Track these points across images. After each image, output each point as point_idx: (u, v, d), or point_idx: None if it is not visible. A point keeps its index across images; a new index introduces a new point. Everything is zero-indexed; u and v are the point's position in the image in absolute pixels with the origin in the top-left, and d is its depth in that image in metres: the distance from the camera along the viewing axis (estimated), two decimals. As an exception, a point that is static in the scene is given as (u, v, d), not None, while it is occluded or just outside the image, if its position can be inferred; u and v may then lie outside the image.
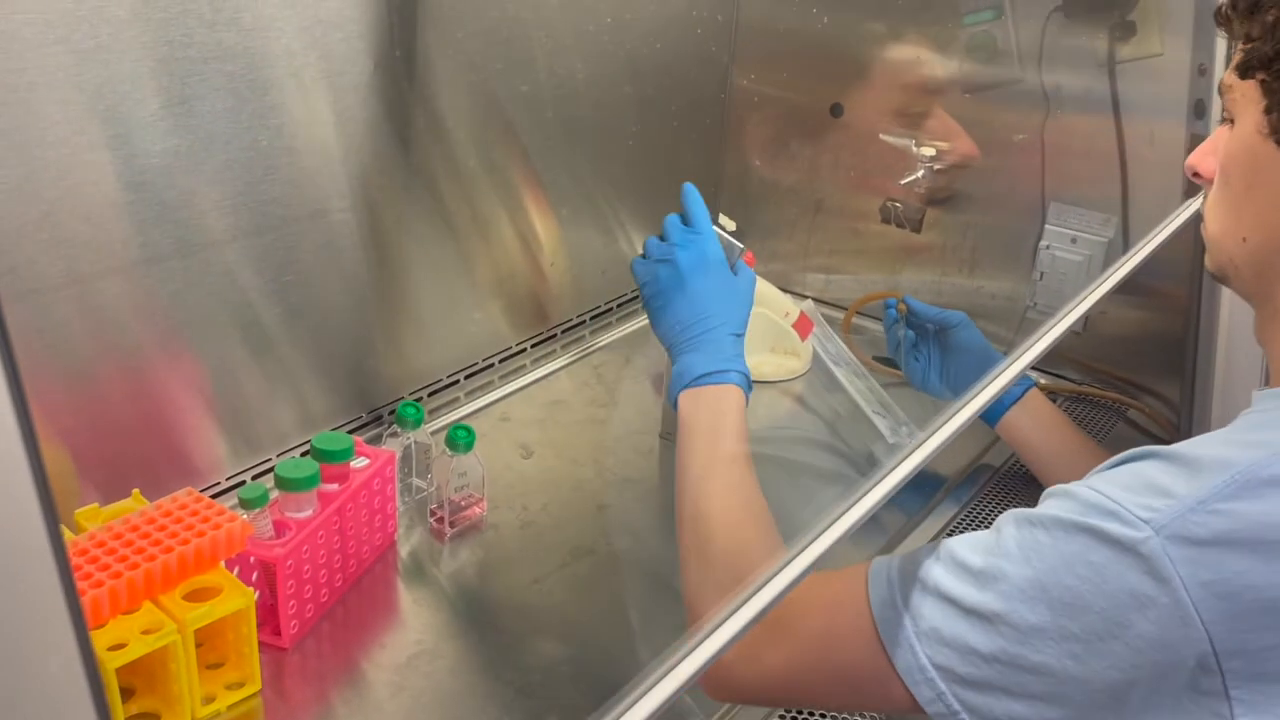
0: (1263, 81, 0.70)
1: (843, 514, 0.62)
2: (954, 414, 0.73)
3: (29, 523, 0.26)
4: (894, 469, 0.66)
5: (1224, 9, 0.74)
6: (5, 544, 0.27)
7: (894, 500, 0.70)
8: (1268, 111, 0.69)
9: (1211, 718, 0.59)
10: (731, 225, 1.09)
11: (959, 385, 1.28)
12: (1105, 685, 0.61)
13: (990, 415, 1.20)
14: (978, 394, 0.77)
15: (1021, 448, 1.20)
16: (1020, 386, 1.19)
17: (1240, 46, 0.72)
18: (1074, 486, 0.65)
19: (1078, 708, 0.62)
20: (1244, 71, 0.71)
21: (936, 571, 0.67)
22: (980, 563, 0.65)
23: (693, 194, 1.02)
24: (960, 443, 1.32)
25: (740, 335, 0.95)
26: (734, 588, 0.70)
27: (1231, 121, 0.75)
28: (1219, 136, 0.77)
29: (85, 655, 0.29)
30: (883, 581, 0.70)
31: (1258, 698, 0.58)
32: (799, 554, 0.56)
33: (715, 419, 0.89)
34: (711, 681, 0.76)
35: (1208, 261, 0.80)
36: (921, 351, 1.32)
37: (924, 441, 0.70)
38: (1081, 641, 0.61)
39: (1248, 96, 0.71)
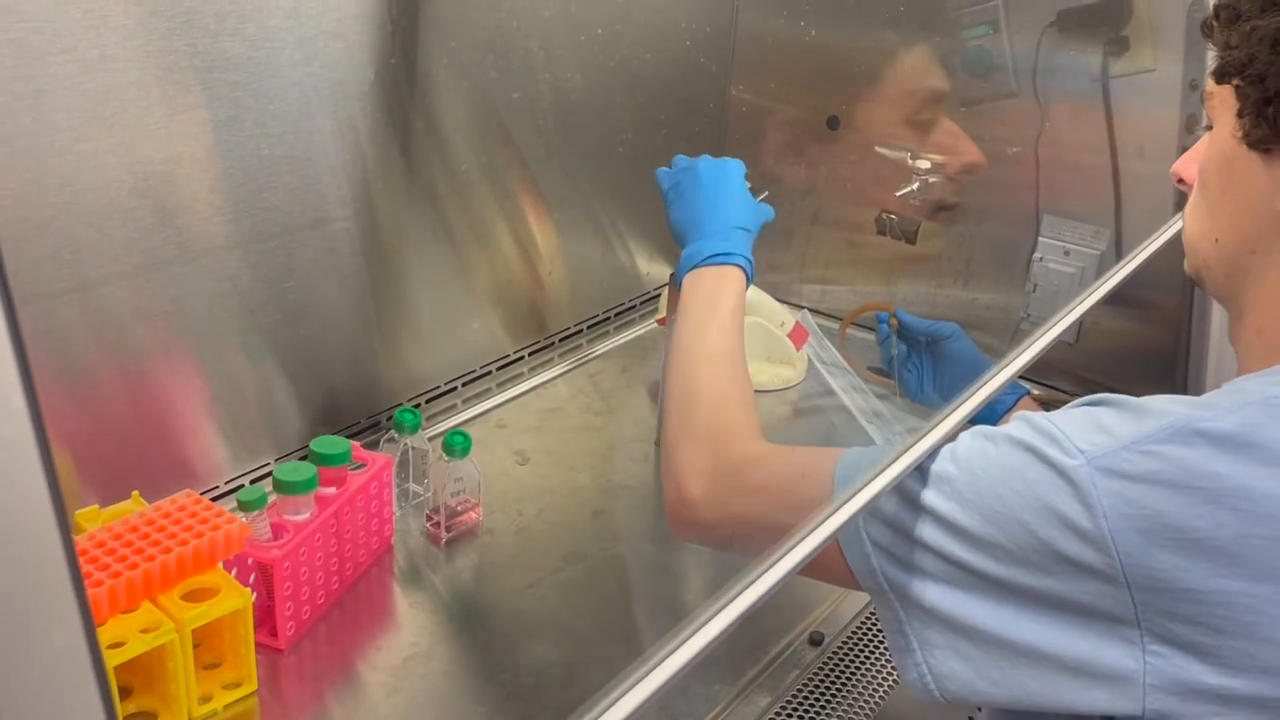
0: (1237, 87, 0.72)
1: (829, 517, 0.63)
2: (944, 418, 0.75)
3: (41, 522, 0.28)
4: (881, 473, 0.68)
5: (1208, 20, 0.76)
6: (17, 541, 0.28)
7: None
8: (1240, 115, 0.71)
9: (1124, 643, 0.62)
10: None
11: (953, 396, 1.28)
12: (1020, 588, 0.65)
13: (982, 424, 1.21)
14: (968, 398, 0.78)
15: None
16: (1012, 395, 1.21)
17: (1220, 54, 0.74)
18: (1033, 414, 0.69)
19: (996, 605, 0.66)
20: (1220, 76, 0.73)
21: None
22: (933, 465, 0.70)
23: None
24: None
25: (751, 233, 1.02)
26: (713, 460, 0.81)
27: (1211, 127, 0.77)
28: (1201, 144, 0.79)
29: (93, 649, 0.30)
30: (850, 463, 0.76)
31: (1170, 634, 0.61)
32: (783, 556, 0.57)
33: (713, 294, 0.95)
34: (676, 520, 0.85)
35: (1186, 265, 0.82)
36: (914, 363, 1.33)
37: (914, 444, 0.71)
38: (1002, 548, 0.65)
39: (1225, 102, 0.73)
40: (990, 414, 1.20)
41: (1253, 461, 0.62)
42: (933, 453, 0.71)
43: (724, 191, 1.05)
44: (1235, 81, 0.72)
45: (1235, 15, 0.71)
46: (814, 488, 0.77)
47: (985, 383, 0.83)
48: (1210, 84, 0.76)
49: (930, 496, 0.69)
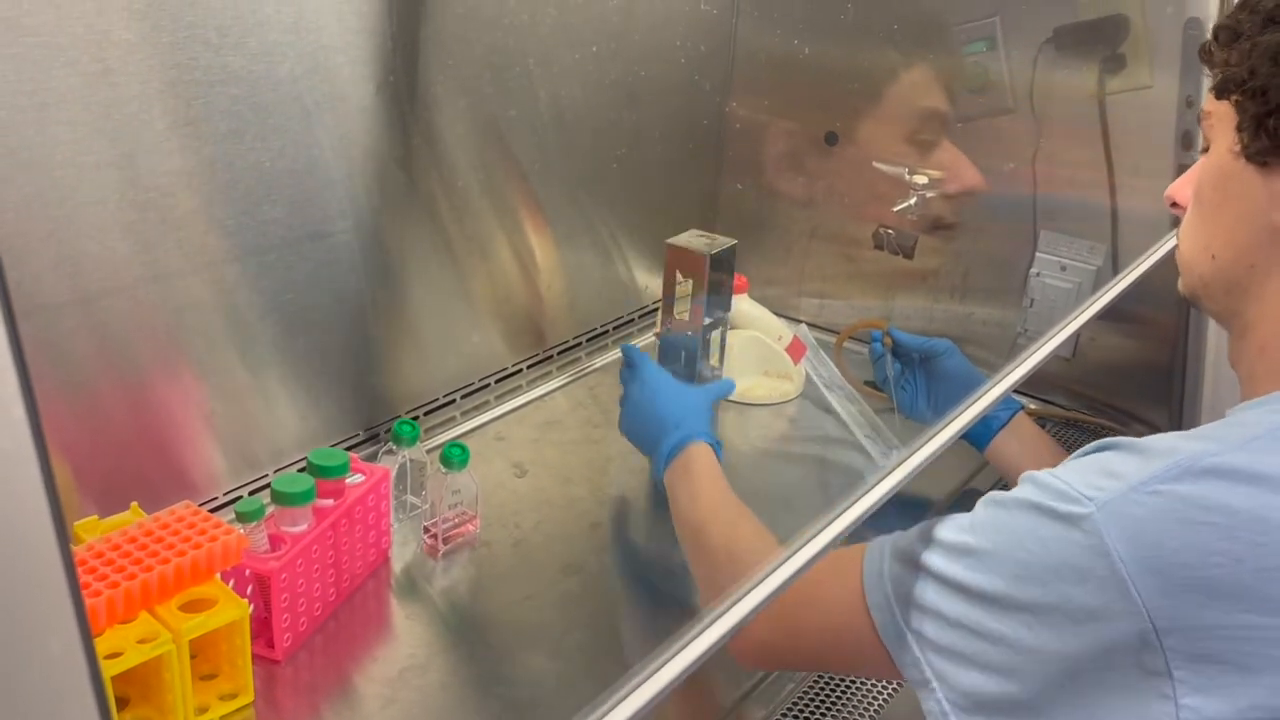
0: (1236, 102, 0.73)
1: (823, 529, 0.63)
2: (938, 432, 0.75)
3: (40, 532, 0.28)
4: (875, 485, 0.68)
5: (1207, 44, 0.77)
6: (16, 550, 0.28)
7: (880, 525, 0.72)
8: (1239, 129, 0.72)
9: (1159, 699, 0.61)
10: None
11: (947, 412, 1.29)
12: (1055, 657, 0.64)
13: (979, 440, 1.22)
14: (962, 413, 0.78)
15: (1010, 472, 1.22)
16: (1007, 410, 1.21)
17: (1219, 71, 0.75)
18: (1040, 473, 0.69)
19: (1034, 681, 0.65)
20: (1220, 92, 0.75)
21: (918, 546, 0.73)
22: (953, 538, 0.71)
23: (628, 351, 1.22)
24: (947, 467, 1.34)
25: (701, 413, 1.11)
26: (740, 574, 0.81)
27: (1208, 149, 0.78)
28: (1196, 167, 0.80)
29: (90, 659, 0.30)
30: (876, 555, 0.76)
31: (1200, 679, 0.60)
32: (773, 571, 0.57)
33: (689, 471, 1.03)
34: (744, 662, 0.89)
35: (1180, 284, 0.82)
36: (909, 380, 1.34)
37: (907, 458, 0.72)
38: (1031, 611, 0.64)
39: (1223, 119, 0.74)
40: (985, 429, 1.21)
41: (1266, 492, 0.61)
42: (941, 515, 0.72)
43: (658, 396, 1.14)
44: (1235, 96, 0.73)
45: (1235, 35, 0.73)
46: (844, 586, 0.77)
47: (980, 396, 0.83)
48: (1209, 101, 0.77)
49: (957, 571, 0.69)
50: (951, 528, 0.72)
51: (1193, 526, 0.61)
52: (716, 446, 1.07)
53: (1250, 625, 0.59)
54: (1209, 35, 0.77)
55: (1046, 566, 0.64)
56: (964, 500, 1.30)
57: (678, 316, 1.29)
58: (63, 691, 0.28)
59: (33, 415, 0.26)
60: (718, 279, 1.28)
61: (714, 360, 1.36)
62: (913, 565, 0.72)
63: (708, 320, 1.31)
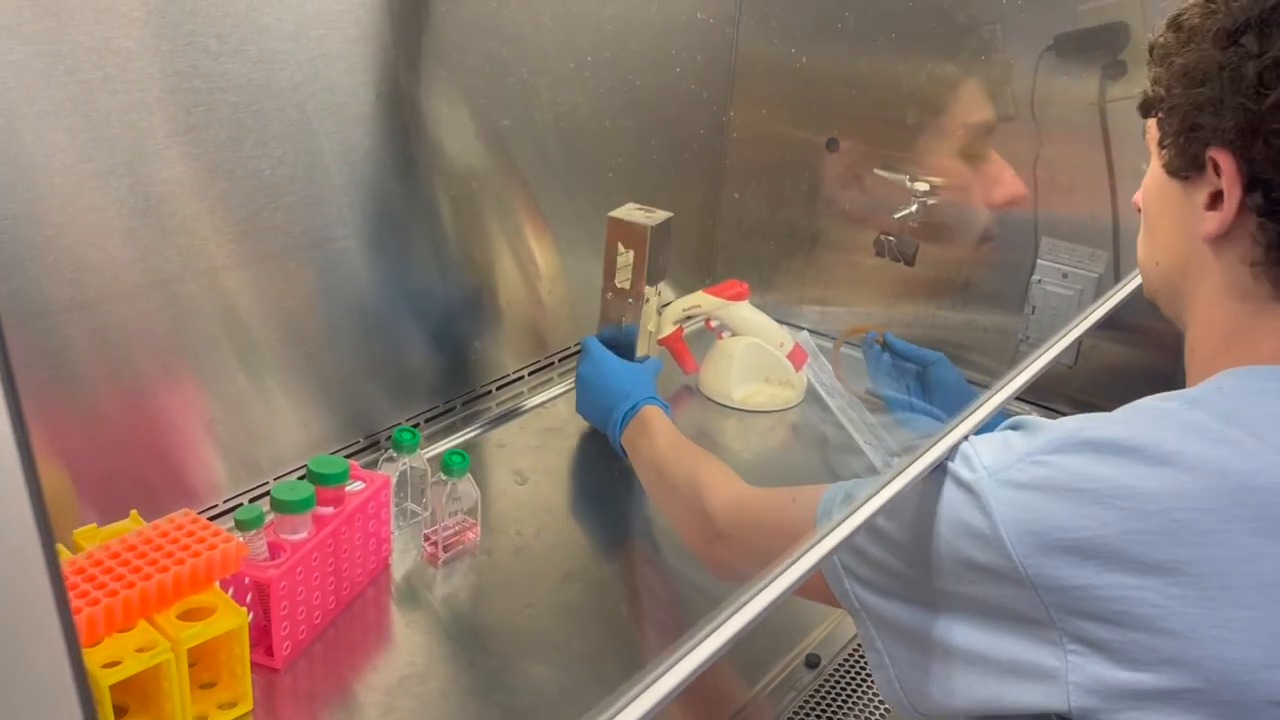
0: (1159, 120, 0.76)
1: (814, 546, 0.63)
2: (941, 438, 0.75)
3: (24, 541, 0.28)
4: (871, 498, 0.68)
5: (1148, 61, 0.79)
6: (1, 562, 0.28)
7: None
8: (1160, 146, 0.76)
9: (1047, 644, 0.66)
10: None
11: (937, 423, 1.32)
12: (958, 598, 0.71)
13: None
14: (965, 419, 0.78)
15: None
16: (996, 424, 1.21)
17: (1149, 89, 0.77)
18: (965, 441, 0.75)
19: (944, 616, 0.72)
20: (1145, 111, 0.78)
21: (861, 494, 0.77)
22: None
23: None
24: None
25: (647, 383, 1.27)
26: (706, 497, 0.98)
27: None
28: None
29: (78, 674, 0.30)
30: (830, 496, 0.83)
31: (1081, 633, 0.64)
32: (771, 582, 0.57)
33: (645, 428, 1.17)
34: (710, 568, 0.99)
35: (1144, 289, 0.85)
36: (902, 387, 1.36)
37: (909, 465, 0.71)
38: (933, 562, 0.71)
39: (1153, 135, 0.78)
40: None
41: (1134, 462, 0.65)
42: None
43: (607, 374, 1.30)
44: (1157, 115, 0.76)
45: (1164, 53, 0.75)
46: (801, 518, 0.85)
47: (983, 403, 0.83)
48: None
49: (883, 521, 0.75)
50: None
51: (1066, 493, 0.66)
52: (665, 408, 1.20)
53: (1120, 585, 0.63)
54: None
55: (945, 522, 0.70)
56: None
57: (619, 285, 1.36)
58: (50, 706, 0.28)
59: (19, 427, 0.26)
60: (656, 249, 1.35)
61: (651, 326, 1.42)
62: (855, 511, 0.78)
63: (648, 288, 1.37)
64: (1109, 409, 1.48)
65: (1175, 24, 0.74)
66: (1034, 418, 0.73)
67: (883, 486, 0.69)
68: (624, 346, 1.40)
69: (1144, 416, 0.69)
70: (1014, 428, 0.73)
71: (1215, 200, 0.72)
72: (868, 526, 0.74)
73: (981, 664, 0.70)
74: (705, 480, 1.00)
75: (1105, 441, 0.66)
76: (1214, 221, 0.71)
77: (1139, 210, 0.85)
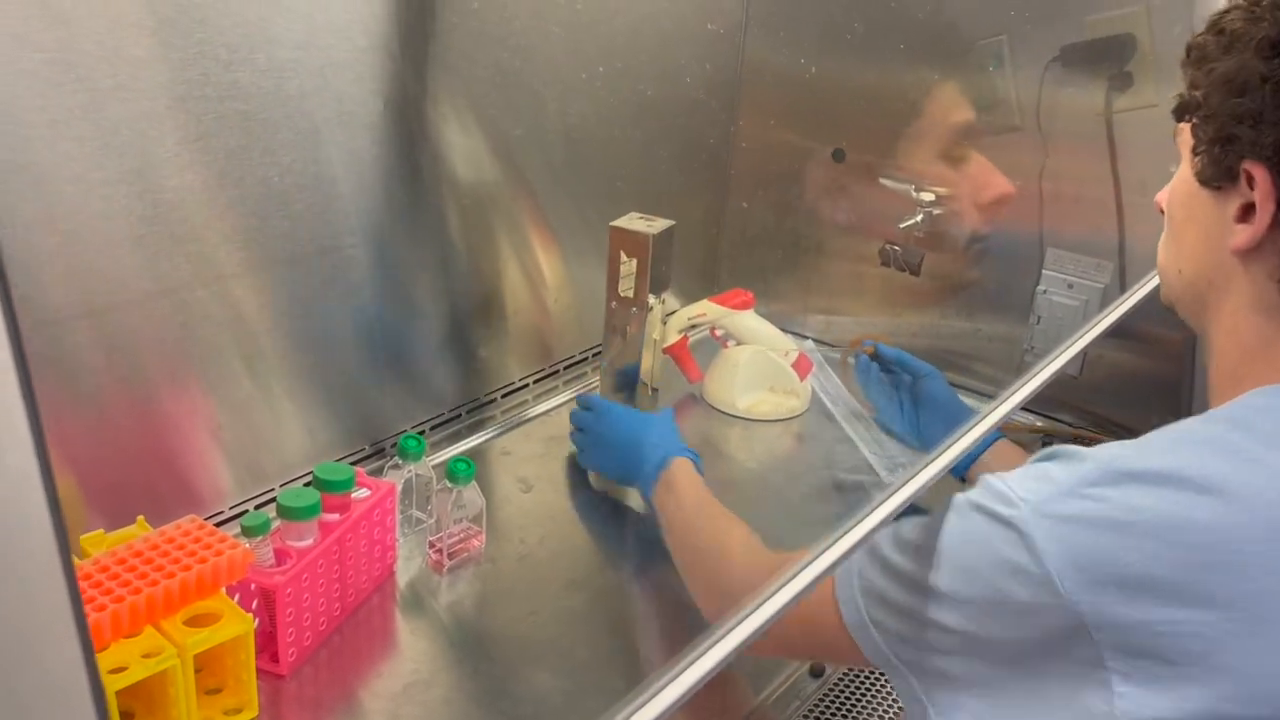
0: (1193, 126, 0.74)
1: (831, 544, 0.63)
2: (948, 447, 0.75)
3: (41, 547, 0.28)
4: (883, 501, 0.68)
5: (1183, 61, 0.77)
6: (17, 565, 0.29)
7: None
8: (1194, 152, 0.73)
9: (1095, 686, 0.64)
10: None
11: (927, 434, 1.31)
12: (1002, 643, 0.68)
13: (959, 469, 1.22)
14: (972, 428, 0.78)
15: None
16: (984, 443, 1.21)
17: (1186, 92, 0.75)
18: (991, 475, 0.72)
19: (990, 665, 0.69)
20: (1179, 115, 0.76)
21: (882, 541, 0.76)
22: (909, 535, 0.74)
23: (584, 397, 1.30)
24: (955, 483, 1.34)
25: (672, 432, 1.18)
26: (732, 572, 0.93)
27: None
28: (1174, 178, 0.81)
29: (91, 675, 0.30)
30: (847, 571, 0.79)
31: (1132, 670, 0.63)
32: (778, 590, 0.57)
33: (673, 485, 1.09)
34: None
35: (1161, 293, 0.84)
36: (893, 397, 1.35)
37: (917, 473, 0.71)
38: (975, 605, 0.68)
39: (1185, 141, 0.76)
40: (967, 458, 1.20)
41: (1181, 492, 0.63)
42: (911, 506, 0.73)
43: (630, 427, 1.21)
44: (1192, 120, 0.74)
45: (1202, 56, 0.73)
46: (819, 594, 0.80)
47: (989, 413, 0.83)
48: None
49: (911, 567, 0.73)
50: (909, 525, 0.75)
51: (1111, 527, 0.64)
52: (695, 459, 1.13)
53: (1171, 620, 0.62)
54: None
55: (986, 564, 0.67)
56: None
57: (623, 294, 1.36)
58: (64, 708, 0.28)
59: (36, 431, 0.27)
60: (659, 258, 1.35)
61: (656, 334, 1.40)
62: (876, 560, 0.76)
63: (651, 296, 1.37)
64: (1115, 419, 1.47)
65: (1217, 27, 0.72)
66: (1069, 447, 0.71)
67: (894, 492, 0.68)
68: (629, 391, 1.39)
69: (1186, 443, 0.67)
70: (1049, 458, 0.71)
71: (1247, 213, 0.70)
72: (898, 578, 0.73)
73: (1025, 707, 0.68)
74: (726, 549, 0.96)
75: (1151, 472, 0.65)
76: (1245, 235, 0.70)
77: (1162, 211, 0.83)
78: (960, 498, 0.73)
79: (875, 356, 1.40)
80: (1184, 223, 0.78)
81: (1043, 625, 0.65)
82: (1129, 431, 1.47)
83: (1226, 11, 0.72)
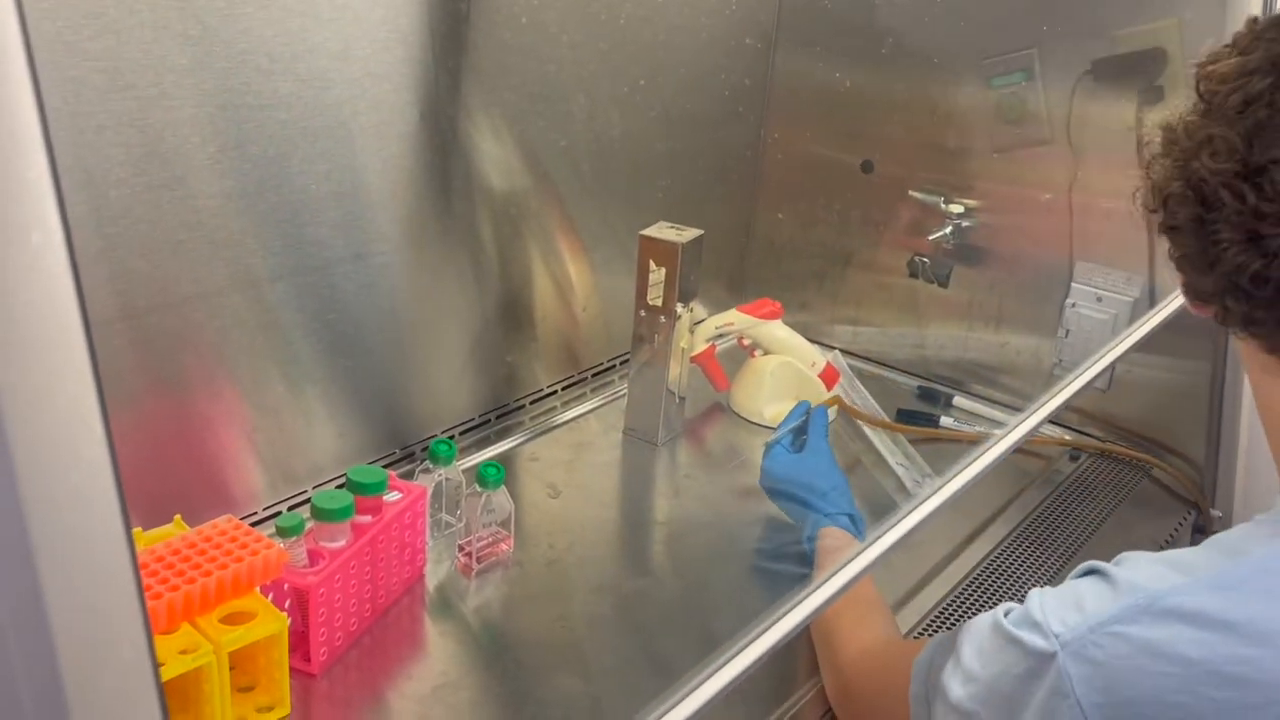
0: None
1: (860, 553, 0.64)
2: (976, 459, 0.76)
3: (112, 537, 0.29)
4: (911, 511, 0.69)
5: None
6: (92, 557, 0.30)
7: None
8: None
9: None
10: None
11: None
12: None
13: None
14: (998, 441, 0.79)
15: None
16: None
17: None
18: (1036, 592, 0.70)
19: None
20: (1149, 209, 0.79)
21: (945, 664, 0.76)
22: (966, 661, 0.73)
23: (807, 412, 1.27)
24: (998, 482, 1.34)
25: (833, 490, 1.15)
26: (837, 668, 0.96)
27: None
28: None
29: (153, 663, 0.32)
30: (919, 676, 0.81)
31: None
32: (807, 597, 0.58)
33: (821, 556, 1.09)
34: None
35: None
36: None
37: (944, 485, 0.72)
38: None
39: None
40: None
41: (1226, 641, 0.59)
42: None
43: (798, 484, 1.17)
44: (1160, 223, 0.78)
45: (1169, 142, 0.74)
46: (896, 699, 0.83)
47: (1017, 425, 0.84)
48: None
49: (960, 692, 0.73)
50: (969, 642, 0.74)
51: (1149, 676, 0.60)
52: (858, 524, 1.12)
53: None
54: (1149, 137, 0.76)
55: (1023, 702, 0.66)
56: (1010, 516, 1.30)
57: (651, 303, 1.37)
58: (132, 693, 0.29)
59: (107, 427, 0.28)
60: (688, 267, 1.36)
61: (684, 343, 1.41)
62: (939, 686, 0.76)
63: (679, 305, 1.37)
64: (1143, 434, 1.45)
65: (1213, 102, 0.71)
66: (1108, 565, 0.68)
67: (931, 495, 0.69)
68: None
69: (1242, 577, 0.63)
70: (1085, 574, 0.69)
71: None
72: (955, 709, 0.73)
73: None
74: (845, 625, 0.97)
75: (1193, 613, 0.61)
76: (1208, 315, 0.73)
77: None
78: (1001, 622, 0.71)
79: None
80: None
81: None
82: (1157, 445, 1.48)
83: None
